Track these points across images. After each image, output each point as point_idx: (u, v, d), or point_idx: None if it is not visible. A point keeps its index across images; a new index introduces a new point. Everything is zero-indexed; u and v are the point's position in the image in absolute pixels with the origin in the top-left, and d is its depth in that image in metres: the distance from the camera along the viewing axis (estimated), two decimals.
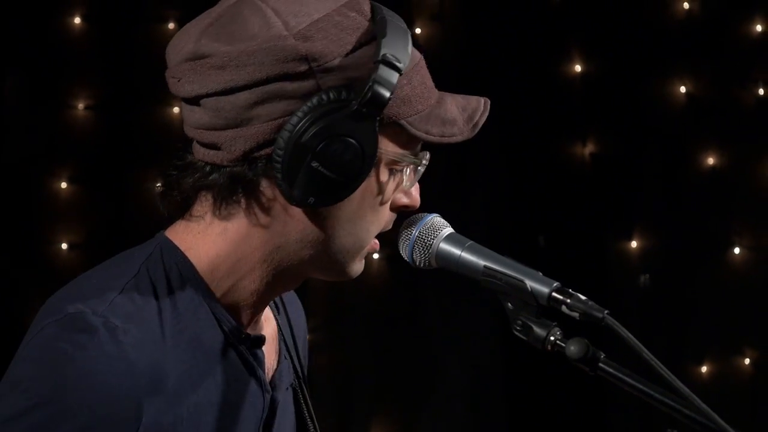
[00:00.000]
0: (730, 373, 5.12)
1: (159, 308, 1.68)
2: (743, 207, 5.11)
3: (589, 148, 5.11)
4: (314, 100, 1.63)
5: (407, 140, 1.72)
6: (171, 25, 4.62)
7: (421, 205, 1.79)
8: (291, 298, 2.02)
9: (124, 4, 4.62)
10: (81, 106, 4.58)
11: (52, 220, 4.55)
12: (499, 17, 4.97)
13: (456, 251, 1.74)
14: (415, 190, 1.78)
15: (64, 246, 4.54)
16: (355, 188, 1.68)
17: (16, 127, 4.50)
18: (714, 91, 5.09)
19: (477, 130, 1.74)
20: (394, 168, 1.72)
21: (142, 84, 4.55)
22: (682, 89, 5.10)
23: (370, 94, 1.63)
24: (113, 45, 4.59)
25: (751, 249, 5.11)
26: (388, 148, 1.70)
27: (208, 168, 1.70)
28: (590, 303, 1.63)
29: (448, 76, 1.64)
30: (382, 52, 1.64)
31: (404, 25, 1.70)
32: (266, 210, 1.70)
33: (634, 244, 5.13)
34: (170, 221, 1.77)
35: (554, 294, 1.65)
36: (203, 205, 1.73)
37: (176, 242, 1.73)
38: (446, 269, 1.76)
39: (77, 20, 4.57)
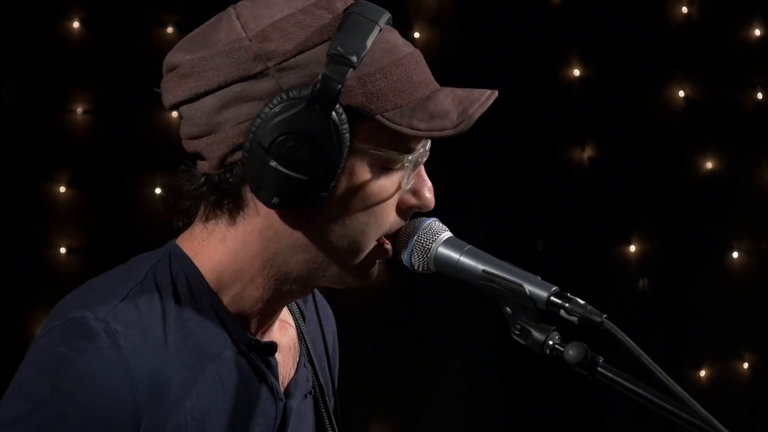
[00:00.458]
0: (729, 378, 5.12)
1: (163, 314, 1.68)
2: (742, 211, 5.11)
3: (587, 153, 5.11)
4: (275, 99, 1.62)
5: (393, 137, 1.67)
6: (170, 30, 4.62)
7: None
8: (323, 305, 2.02)
9: (123, 9, 4.62)
10: (79, 110, 4.57)
11: (51, 224, 4.54)
12: (497, 22, 4.97)
13: (455, 255, 1.73)
14: (429, 191, 1.75)
15: (63, 250, 4.54)
16: (327, 187, 1.65)
17: (14, 131, 4.49)
18: (712, 96, 5.09)
19: (471, 123, 1.67)
20: (388, 167, 1.70)
21: (140, 88, 4.54)
22: (681, 93, 5.10)
23: (318, 88, 1.61)
24: (112, 49, 4.59)
25: (749, 253, 5.11)
26: (366, 145, 1.67)
27: (202, 178, 1.70)
28: (589, 307, 1.62)
29: (446, 80, 1.64)
30: (332, 47, 1.62)
31: (380, 19, 1.66)
32: (254, 216, 1.70)
33: (632, 248, 5.13)
34: (182, 228, 1.77)
35: (553, 298, 1.64)
36: (205, 214, 1.73)
37: (184, 249, 1.74)
38: (445, 273, 1.75)
39: (76, 24, 4.56)
